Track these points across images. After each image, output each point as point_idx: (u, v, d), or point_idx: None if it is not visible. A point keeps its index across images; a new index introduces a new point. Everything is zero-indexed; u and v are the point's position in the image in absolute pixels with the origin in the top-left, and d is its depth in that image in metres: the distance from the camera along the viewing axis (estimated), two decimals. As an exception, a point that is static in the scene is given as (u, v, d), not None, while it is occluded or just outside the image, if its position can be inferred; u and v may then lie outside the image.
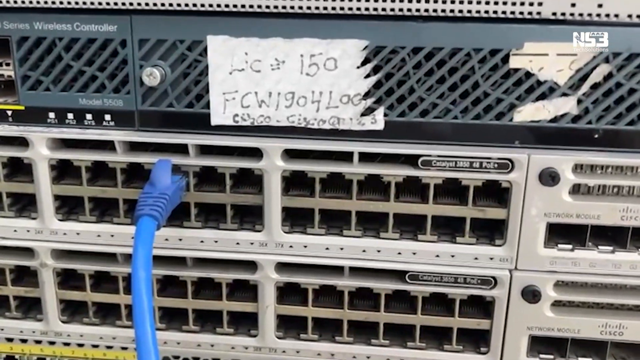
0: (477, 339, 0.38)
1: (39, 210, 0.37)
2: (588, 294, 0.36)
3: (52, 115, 0.36)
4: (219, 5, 0.33)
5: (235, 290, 0.39)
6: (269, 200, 0.35)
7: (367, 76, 0.33)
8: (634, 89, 0.33)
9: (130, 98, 0.35)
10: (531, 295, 0.35)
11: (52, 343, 0.40)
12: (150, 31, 0.34)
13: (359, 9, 0.32)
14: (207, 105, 0.35)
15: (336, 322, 0.38)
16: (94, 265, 0.38)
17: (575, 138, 0.34)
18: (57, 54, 0.35)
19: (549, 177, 0.33)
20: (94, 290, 0.39)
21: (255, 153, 0.35)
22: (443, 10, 0.31)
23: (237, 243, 0.37)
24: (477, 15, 0.31)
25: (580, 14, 0.31)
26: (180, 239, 0.37)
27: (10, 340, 0.41)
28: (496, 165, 0.34)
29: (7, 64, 0.36)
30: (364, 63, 0.33)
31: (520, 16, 0.31)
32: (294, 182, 0.36)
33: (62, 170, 0.37)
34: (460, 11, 0.31)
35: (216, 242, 0.37)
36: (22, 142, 0.36)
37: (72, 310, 0.41)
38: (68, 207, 0.38)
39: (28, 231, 0.38)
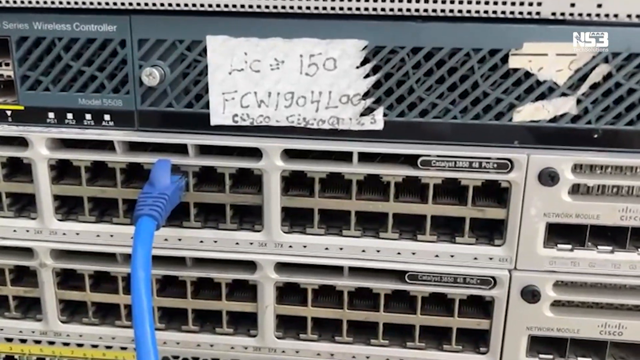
0: (477, 339, 0.38)
1: (38, 210, 0.37)
2: (587, 294, 0.36)
3: (51, 115, 0.36)
4: (218, 5, 0.33)
5: (235, 290, 0.39)
6: (269, 200, 0.35)
7: (367, 76, 0.33)
8: (633, 89, 0.33)
9: (130, 98, 0.35)
10: (530, 295, 0.35)
11: (51, 343, 0.40)
12: (150, 31, 0.34)
13: (358, 9, 0.32)
14: (207, 105, 0.35)
15: (336, 322, 0.38)
16: (94, 265, 0.38)
17: (575, 138, 0.34)
18: (56, 54, 0.35)
19: (549, 177, 0.33)
20: (94, 290, 0.39)
21: (255, 153, 0.35)
22: (442, 10, 0.31)
23: (237, 243, 0.37)
24: (476, 15, 0.31)
25: (580, 14, 0.31)
26: (180, 239, 0.37)
27: (9, 340, 0.41)
28: (495, 165, 0.34)
29: (7, 64, 0.36)
30: (363, 63, 0.33)
31: (519, 16, 0.31)
32: (294, 182, 0.36)
33: (62, 170, 0.37)
34: (460, 11, 0.31)
35: (215, 242, 0.37)
36: (22, 142, 0.36)
37: (72, 310, 0.41)
38: (67, 207, 0.38)
39: (27, 231, 0.38)
